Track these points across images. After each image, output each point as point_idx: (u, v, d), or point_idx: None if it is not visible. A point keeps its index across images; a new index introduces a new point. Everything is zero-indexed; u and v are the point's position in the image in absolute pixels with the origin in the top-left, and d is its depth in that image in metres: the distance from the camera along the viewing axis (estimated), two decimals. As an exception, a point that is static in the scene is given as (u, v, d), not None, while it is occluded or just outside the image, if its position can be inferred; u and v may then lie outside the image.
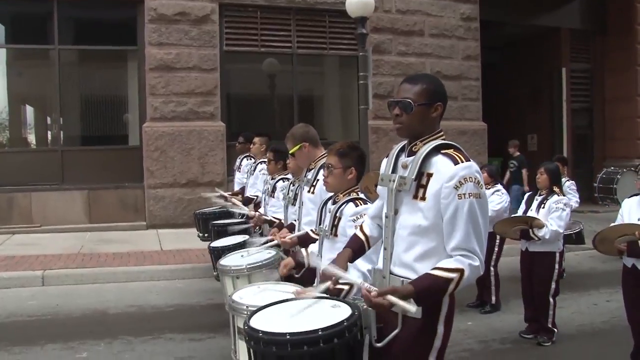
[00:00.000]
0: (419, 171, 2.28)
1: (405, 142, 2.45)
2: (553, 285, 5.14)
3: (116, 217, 10.25)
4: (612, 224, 4.45)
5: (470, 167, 2.22)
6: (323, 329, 2.10)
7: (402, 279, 2.31)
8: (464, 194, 2.19)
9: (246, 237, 5.27)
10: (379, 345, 2.31)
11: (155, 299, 6.51)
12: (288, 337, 2.08)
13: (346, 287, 2.72)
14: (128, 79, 10.96)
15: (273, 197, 5.21)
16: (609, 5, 14.42)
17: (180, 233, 9.56)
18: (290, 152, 3.92)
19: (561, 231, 5.05)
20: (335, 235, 3.01)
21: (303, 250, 3.35)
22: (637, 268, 4.28)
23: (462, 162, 2.22)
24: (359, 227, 2.74)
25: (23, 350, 4.87)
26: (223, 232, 5.62)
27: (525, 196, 5.53)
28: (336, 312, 2.28)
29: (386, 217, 2.40)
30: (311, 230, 3.71)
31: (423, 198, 2.27)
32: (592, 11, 14.47)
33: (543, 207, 5.13)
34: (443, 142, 2.33)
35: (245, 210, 6.01)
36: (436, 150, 2.30)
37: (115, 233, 9.69)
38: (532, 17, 13.49)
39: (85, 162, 10.35)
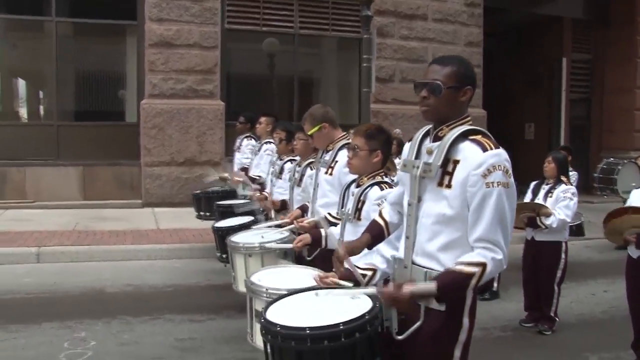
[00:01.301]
0: (445, 157, 2.20)
1: (430, 126, 2.37)
2: (559, 274, 5.14)
3: (111, 195, 10.14)
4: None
5: (500, 155, 2.14)
6: (344, 323, 2.01)
7: (424, 269, 2.23)
8: (492, 183, 2.10)
9: (251, 218, 5.22)
10: (400, 337, 2.23)
11: (153, 278, 6.45)
12: (308, 331, 1.99)
13: (369, 273, 2.65)
14: (126, 55, 10.78)
15: (280, 178, 5.14)
16: (612, -4, 14.35)
17: (177, 212, 9.46)
18: (309, 132, 3.84)
19: (569, 220, 5.03)
20: (359, 219, 2.95)
21: (322, 230, 3.28)
22: (647, 259, 4.26)
23: (491, 149, 2.14)
24: (378, 213, 2.67)
25: (20, 329, 4.79)
26: (228, 212, 5.54)
27: (532, 184, 5.49)
28: (356, 304, 2.20)
29: (409, 204, 2.31)
30: (328, 213, 3.65)
31: (449, 186, 2.19)
32: (594, 2, 14.37)
33: (550, 196, 5.10)
34: (471, 127, 2.25)
35: (250, 191, 5.95)
36: (463, 136, 2.21)
37: (110, 210, 9.58)
38: (535, 5, 13.38)
39: (80, 138, 10.20)
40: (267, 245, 3.70)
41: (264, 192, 5.72)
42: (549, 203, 5.08)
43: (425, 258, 2.25)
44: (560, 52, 14.07)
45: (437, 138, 2.28)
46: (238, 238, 3.89)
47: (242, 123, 7.39)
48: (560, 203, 5.02)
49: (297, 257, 3.81)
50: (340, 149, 3.79)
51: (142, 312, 5.28)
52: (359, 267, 2.58)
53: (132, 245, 7.43)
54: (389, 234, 2.62)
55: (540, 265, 5.17)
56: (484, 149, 2.14)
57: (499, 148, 2.16)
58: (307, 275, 2.87)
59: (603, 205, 10.21)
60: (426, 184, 2.27)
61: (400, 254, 2.37)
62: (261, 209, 5.34)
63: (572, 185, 5.31)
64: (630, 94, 14.01)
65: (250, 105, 10.32)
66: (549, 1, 13.54)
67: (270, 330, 2.07)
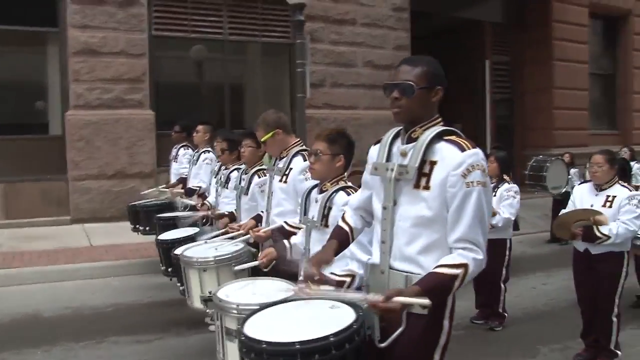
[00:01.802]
0: (421, 159, 2.17)
1: (399, 128, 2.34)
2: (504, 272, 5.26)
3: (36, 212, 9.50)
4: (566, 210, 4.60)
5: (477, 154, 2.13)
6: (334, 335, 1.93)
7: (404, 273, 2.19)
8: (472, 182, 2.09)
9: (196, 229, 5.05)
10: (382, 345, 2.16)
11: (91, 298, 6.10)
12: (298, 346, 1.88)
13: (348, 280, 2.59)
14: (48, 63, 10.16)
15: (227, 188, 5.00)
16: (528, 0, 15.03)
17: (109, 227, 9.04)
18: (262, 139, 3.72)
19: (513, 218, 5.16)
20: (326, 225, 2.87)
21: (286, 241, 3.17)
22: (589, 252, 4.43)
23: (469, 149, 2.13)
24: (341, 218, 2.60)
25: (-52, 365, 4.41)
26: (170, 225, 5.33)
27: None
28: (339, 314, 2.13)
29: (384, 208, 2.27)
30: (285, 222, 3.55)
31: (427, 187, 2.16)
32: (511, 6, 15.02)
33: (494, 195, 5.21)
34: (444, 128, 2.23)
35: (192, 202, 5.75)
36: (438, 137, 2.19)
37: (36, 229, 8.99)
38: (458, 9, 13.82)
39: (0, 153, 9.54)
40: (237, 267, 3.53)
41: (205, 202, 5.55)
42: (493, 202, 5.19)
43: (404, 262, 2.21)
44: (483, 55, 14.58)
45: (410, 140, 2.25)
46: (191, 252, 3.72)
47: (178, 132, 7.16)
48: (505, 202, 5.15)
49: (253, 270, 3.68)
50: (295, 155, 3.71)
51: (85, 337, 4.98)
52: (336, 274, 2.51)
53: (65, 264, 7.03)
54: (353, 240, 2.57)
55: (488, 264, 5.26)
56: (462, 149, 2.12)
57: (475, 148, 2.15)
58: (275, 287, 2.76)
59: (532, 201, 10.67)
60: (401, 186, 2.23)
61: (375, 259, 2.31)
62: (204, 220, 5.17)
63: (514, 183, 5.46)
64: (548, 93, 14.72)
65: (181, 114, 10.00)
66: (470, 6, 14.01)
67: (253, 348, 1.94)
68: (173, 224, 5.41)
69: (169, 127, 9.32)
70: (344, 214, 2.61)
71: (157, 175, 9.84)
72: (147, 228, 6.15)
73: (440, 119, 2.28)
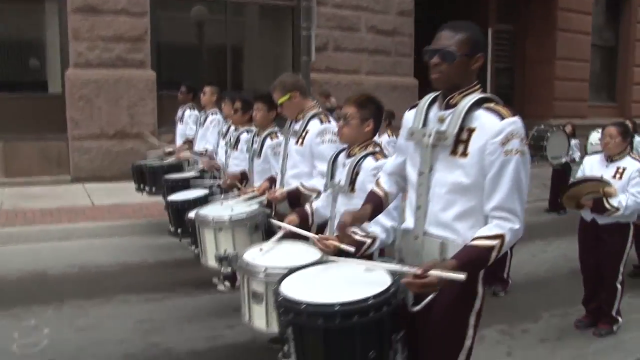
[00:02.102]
0: (460, 126, 2.16)
1: (435, 94, 2.33)
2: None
3: (36, 171, 9.48)
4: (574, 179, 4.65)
5: (516, 123, 2.12)
6: (374, 297, 1.96)
7: (439, 239, 2.21)
8: (511, 151, 2.09)
9: (206, 191, 5.05)
10: (415, 309, 2.19)
11: (97, 258, 6.09)
12: (338, 307, 1.90)
13: (368, 241, 2.61)
14: (46, 21, 9.97)
15: (236, 149, 4.98)
16: (534, -31, 14.86)
17: (110, 187, 9.03)
18: (279, 101, 3.69)
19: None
20: (353, 190, 2.87)
21: (307, 206, 3.19)
22: (596, 222, 4.49)
23: (508, 117, 2.11)
24: (375, 183, 2.60)
25: (-40, 321, 4.40)
26: (178, 187, 5.32)
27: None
28: (374, 277, 2.15)
29: (420, 174, 2.27)
30: (300, 184, 3.56)
31: (464, 154, 2.15)
32: (517, -27, 14.86)
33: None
34: (484, 95, 2.22)
35: (200, 165, 5.75)
36: (477, 104, 2.18)
37: (36, 188, 8.96)
38: (463, -25, 13.64)
39: (-1, 111, 9.43)
40: (238, 220, 3.54)
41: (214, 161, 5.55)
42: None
43: (439, 228, 2.22)
44: (486, 23, 14.42)
45: (448, 106, 2.23)
46: (207, 211, 3.72)
47: (184, 93, 7.08)
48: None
49: (267, 231, 3.71)
50: (311, 118, 3.70)
51: (93, 295, 5.00)
52: (358, 234, 2.53)
53: (69, 224, 7.00)
54: (387, 205, 2.57)
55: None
56: (501, 117, 2.11)
57: (515, 116, 2.14)
58: (301, 250, 2.79)
59: (531, 171, 10.71)
60: (438, 152, 2.22)
61: (409, 224, 2.32)
62: (217, 184, 5.18)
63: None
64: (550, 64, 14.66)
65: (182, 74, 9.93)
66: (476, -28, 13.84)
67: (292, 308, 1.97)
68: (181, 185, 5.41)
69: (170, 88, 9.26)
70: (378, 179, 2.61)
71: (158, 136, 9.77)
72: (153, 189, 6.12)
73: (479, 86, 2.26)
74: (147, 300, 4.96)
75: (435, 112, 2.29)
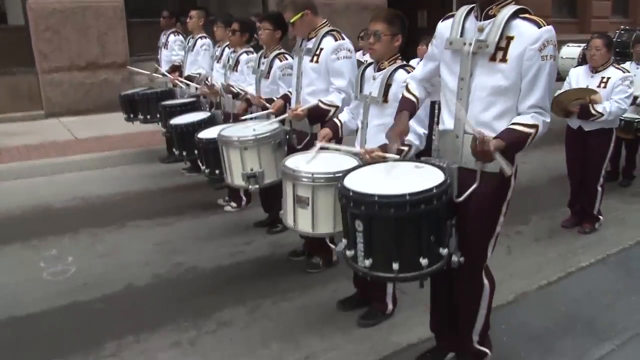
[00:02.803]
0: (500, 34, 2.36)
1: (470, 6, 2.50)
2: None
3: (7, 107, 9.18)
4: (561, 90, 4.91)
5: (551, 31, 2.35)
6: (437, 187, 2.20)
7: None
8: (546, 56, 2.33)
9: (208, 113, 5.12)
10: (459, 199, 2.48)
11: (97, 189, 6.12)
12: (408, 197, 2.15)
13: (405, 149, 2.85)
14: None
15: (236, 70, 5.02)
16: None
17: (87, 120, 8.93)
18: (291, 20, 3.74)
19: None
20: (386, 101, 3.06)
21: (336, 119, 3.36)
22: (582, 129, 4.83)
23: (544, 25, 2.34)
24: (406, 89, 2.81)
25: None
26: (175, 112, 5.35)
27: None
28: (428, 172, 2.39)
29: (461, 79, 2.48)
30: (319, 100, 3.69)
31: (503, 60, 2.37)
32: None
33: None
34: (519, 6, 2.41)
35: (193, 89, 5.76)
36: (514, 14, 2.38)
37: (10, 125, 8.72)
38: None
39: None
40: (263, 138, 3.69)
41: (214, 84, 5.52)
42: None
43: (479, 127, 2.44)
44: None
45: (487, 17, 2.42)
46: (229, 132, 3.83)
47: (166, 18, 6.91)
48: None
49: (288, 147, 3.87)
50: (324, 35, 3.76)
51: (105, 223, 5.10)
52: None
53: (59, 157, 6.94)
54: (418, 109, 2.81)
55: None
56: (539, 26, 2.34)
57: (549, 25, 2.36)
58: (339, 159, 2.99)
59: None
60: (477, 59, 2.43)
61: (449, 126, 2.57)
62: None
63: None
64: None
65: (150, 2, 9.65)
66: None
67: (364, 201, 2.18)
68: (180, 110, 5.43)
69: (139, 16, 9.01)
70: (407, 85, 2.82)
71: (131, 64, 9.57)
72: (148, 117, 6.11)
73: None
74: (159, 224, 5.10)
75: (472, 22, 2.47)
